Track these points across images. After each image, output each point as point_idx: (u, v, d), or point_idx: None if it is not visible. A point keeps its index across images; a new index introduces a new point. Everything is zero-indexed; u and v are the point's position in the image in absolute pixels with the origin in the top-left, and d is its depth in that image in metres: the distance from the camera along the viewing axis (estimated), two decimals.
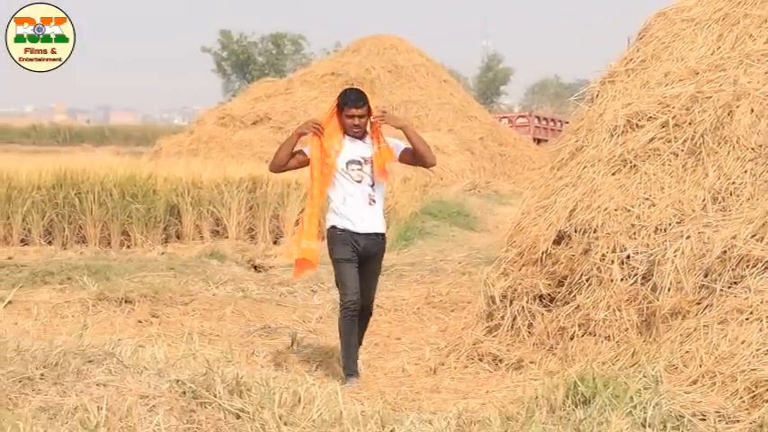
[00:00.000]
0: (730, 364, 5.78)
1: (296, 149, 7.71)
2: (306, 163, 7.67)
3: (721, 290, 6.28)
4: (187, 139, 26.84)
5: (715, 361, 5.87)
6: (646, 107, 7.64)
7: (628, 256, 6.96)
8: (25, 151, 32.34)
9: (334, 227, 7.55)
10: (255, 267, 13.33)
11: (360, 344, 7.75)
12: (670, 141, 7.36)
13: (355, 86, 9.74)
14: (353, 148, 7.60)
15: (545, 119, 40.61)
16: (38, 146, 48.71)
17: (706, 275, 6.43)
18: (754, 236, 6.30)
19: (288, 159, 7.70)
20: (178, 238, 15.32)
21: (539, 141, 36.11)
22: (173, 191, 15.30)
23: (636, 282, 6.87)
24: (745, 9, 7.92)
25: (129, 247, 14.74)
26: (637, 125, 7.63)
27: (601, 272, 7.10)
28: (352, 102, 7.59)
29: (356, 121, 7.55)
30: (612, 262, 7.04)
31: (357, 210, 7.52)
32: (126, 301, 9.71)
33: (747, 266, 6.22)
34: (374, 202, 7.59)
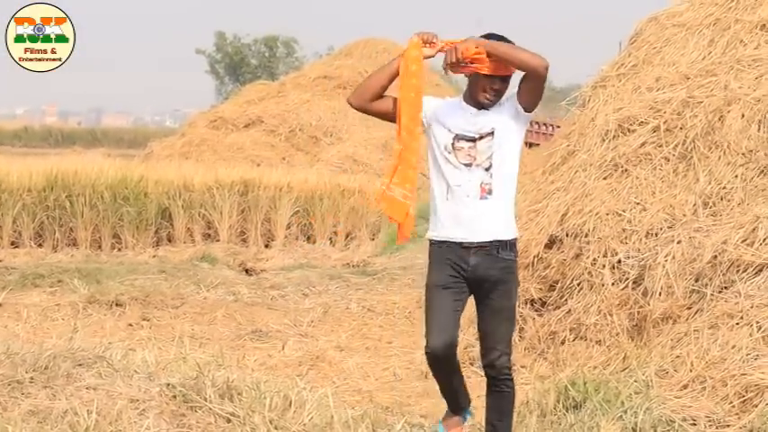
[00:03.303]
0: (721, 369, 5.78)
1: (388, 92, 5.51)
2: (391, 114, 5.46)
3: (712, 294, 6.28)
4: (179, 142, 26.78)
5: (705, 365, 5.88)
6: (637, 112, 7.65)
7: (619, 261, 6.96)
8: (16, 153, 32.24)
9: (431, 241, 5.39)
10: (247, 270, 13.33)
11: None
12: (661, 146, 7.37)
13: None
14: (464, 118, 5.34)
15: (537, 123, 40.58)
16: (29, 148, 48.64)
17: (697, 280, 6.44)
18: (745, 240, 6.31)
19: (379, 91, 5.43)
20: (169, 241, 15.29)
21: (531, 145, 36.01)
22: (164, 194, 15.27)
23: (627, 286, 6.87)
24: (736, 15, 7.94)
25: (120, 249, 14.70)
26: (628, 130, 7.64)
27: (592, 276, 7.10)
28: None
29: (495, 87, 5.28)
30: (604, 266, 7.04)
31: (463, 208, 5.26)
32: (116, 305, 9.71)
33: (738, 271, 6.23)
34: (490, 194, 5.27)
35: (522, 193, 8.59)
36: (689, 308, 6.43)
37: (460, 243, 5.27)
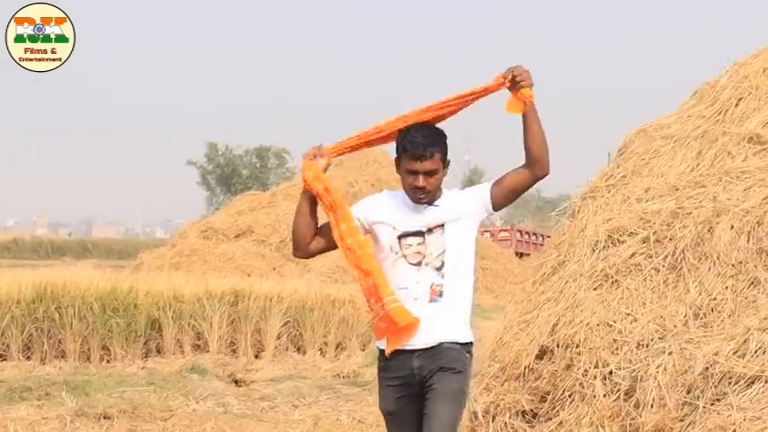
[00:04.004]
0: None
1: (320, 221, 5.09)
2: (334, 244, 5.04)
3: (704, 407, 6.24)
4: (169, 253, 26.81)
5: None
6: (627, 222, 7.68)
7: (610, 372, 6.92)
8: (6, 265, 32.17)
9: (378, 348, 5.03)
10: (237, 382, 13.23)
11: None
12: (651, 257, 7.37)
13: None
14: (410, 213, 4.95)
15: (527, 233, 40.82)
16: (18, 260, 48.56)
17: (689, 392, 6.40)
18: (736, 352, 6.29)
19: (309, 232, 5.00)
20: (159, 352, 15.20)
21: (521, 255, 36.22)
22: (154, 305, 15.22)
23: (618, 398, 6.83)
24: (723, 127, 8.01)
25: (108, 361, 14.60)
26: (618, 240, 7.65)
27: (583, 387, 7.05)
28: (412, 148, 4.89)
29: (420, 181, 4.87)
30: (595, 377, 7.00)
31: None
32: (104, 417, 9.62)
33: (730, 383, 6.20)
34: (440, 296, 4.88)
35: (513, 303, 8.57)
36: (681, 420, 6.39)
37: (404, 350, 4.87)
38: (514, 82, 4.88)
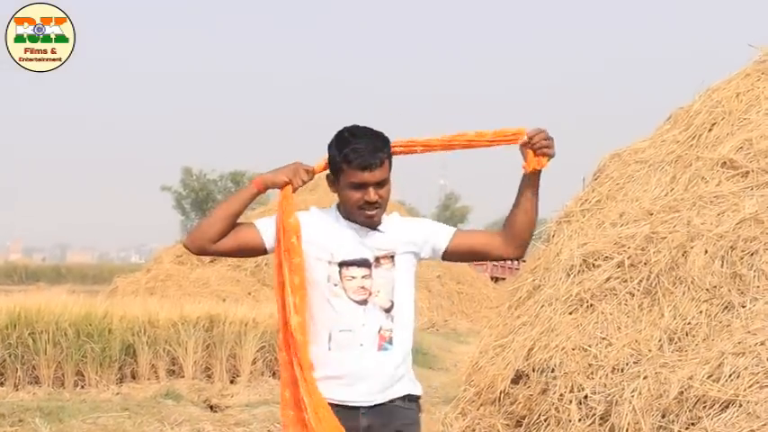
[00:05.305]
0: None
1: (242, 219, 4.23)
2: (254, 249, 4.21)
3: (679, 431, 6.25)
4: (144, 278, 26.72)
5: None
6: (602, 247, 7.70)
7: (586, 396, 6.93)
8: None
9: None
10: (212, 407, 13.18)
11: None
12: (626, 281, 7.39)
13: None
14: (353, 237, 4.18)
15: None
16: None
17: (663, 416, 6.41)
18: (711, 376, 6.30)
19: (226, 229, 4.11)
20: (133, 377, 15.11)
21: (496, 280, 36.26)
22: (128, 330, 15.14)
23: (594, 422, 6.83)
24: (697, 152, 8.05)
25: (83, 387, 14.50)
26: (593, 265, 7.67)
27: (559, 412, 7.05)
28: (358, 157, 4.10)
29: (371, 194, 4.12)
30: (570, 402, 7.00)
31: (353, 361, 4.10)
32: None
33: (704, 407, 6.21)
34: (390, 343, 4.14)
35: (489, 327, 8.57)
36: None
37: (348, 406, 4.08)
38: (537, 145, 4.18)
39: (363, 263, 4.11)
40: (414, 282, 4.25)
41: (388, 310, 4.13)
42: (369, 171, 4.10)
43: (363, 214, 4.14)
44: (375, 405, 4.12)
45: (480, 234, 4.38)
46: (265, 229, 4.20)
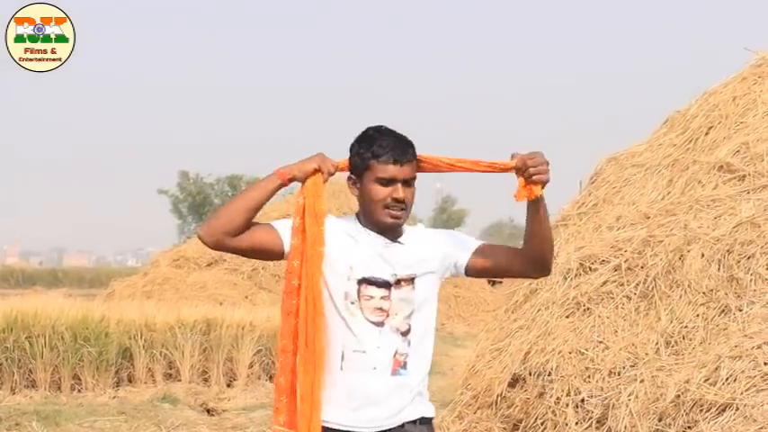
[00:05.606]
0: None
1: (259, 219, 3.97)
2: (270, 252, 3.96)
3: None
4: (141, 281, 26.70)
5: None
6: (598, 250, 7.70)
7: (582, 400, 6.93)
8: None
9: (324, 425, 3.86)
10: (209, 411, 13.17)
11: None
12: (623, 285, 7.39)
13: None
14: (370, 249, 3.95)
15: None
16: None
17: (660, 420, 6.41)
18: (707, 380, 6.30)
19: (247, 223, 3.87)
20: (130, 381, 15.11)
21: (493, 283, 36.16)
22: (125, 333, 15.13)
23: (590, 425, 6.83)
24: (693, 156, 8.05)
25: (79, 390, 14.49)
26: (590, 268, 7.67)
27: (556, 415, 7.06)
28: (391, 151, 3.90)
29: (399, 192, 3.90)
30: (567, 405, 7.01)
31: (365, 383, 3.88)
32: None
33: (701, 411, 6.21)
34: (404, 368, 3.92)
35: (486, 331, 8.58)
36: None
37: (352, 430, 3.87)
38: (528, 173, 3.86)
39: (383, 284, 3.87)
40: (435, 304, 4.08)
41: (404, 334, 3.91)
42: (399, 165, 3.89)
43: (389, 214, 3.91)
44: (382, 431, 3.90)
45: (504, 251, 4.09)
46: (284, 230, 3.94)
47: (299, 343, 3.85)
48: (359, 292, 3.85)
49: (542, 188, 3.91)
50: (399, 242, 3.95)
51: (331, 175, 3.98)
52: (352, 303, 3.85)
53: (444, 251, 4.02)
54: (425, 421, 4.04)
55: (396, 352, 3.87)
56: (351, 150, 4.01)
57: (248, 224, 3.86)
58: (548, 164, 3.86)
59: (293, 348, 3.89)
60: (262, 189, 3.90)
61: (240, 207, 3.86)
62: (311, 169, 3.93)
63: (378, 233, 3.95)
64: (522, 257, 4.02)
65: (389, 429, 3.89)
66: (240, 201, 3.89)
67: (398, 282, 3.88)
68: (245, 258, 24.97)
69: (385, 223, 3.92)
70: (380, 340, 3.84)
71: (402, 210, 3.91)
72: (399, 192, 3.89)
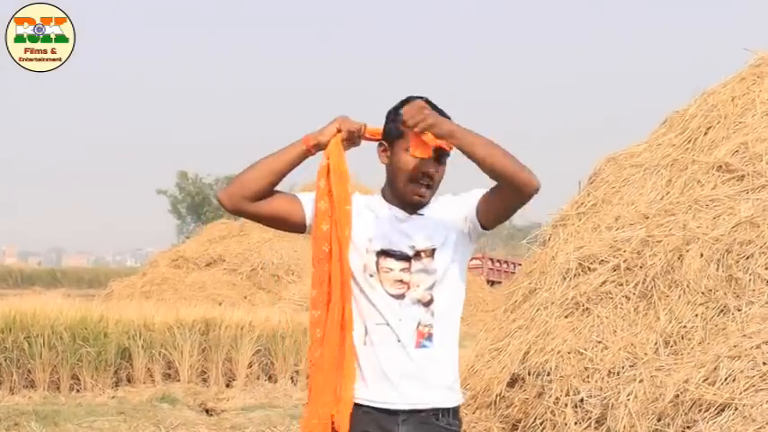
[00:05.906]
0: None
1: (283, 189, 3.88)
2: (291, 223, 3.87)
3: None
4: (140, 282, 26.73)
5: None
6: (597, 250, 7.70)
7: (581, 400, 6.93)
8: None
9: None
10: (208, 411, 13.17)
11: None
12: (622, 285, 7.39)
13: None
14: (390, 224, 3.85)
15: (498, 261, 40.85)
16: None
17: (659, 420, 6.41)
18: (706, 380, 6.30)
19: (269, 188, 3.80)
20: (129, 381, 15.11)
21: (492, 283, 36.25)
22: (124, 333, 15.13)
23: (590, 425, 6.83)
24: (692, 156, 8.05)
25: (78, 391, 14.48)
26: (589, 268, 7.67)
27: (555, 415, 7.06)
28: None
29: (429, 167, 3.78)
30: (566, 405, 7.01)
31: (390, 358, 3.77)
32: None
33: (700, 411, 6.21)
34: (429, 339, 3.78)
35: (485, 331, 8.57)
36: None
37: (385, 409, 3.73)
38: (414, 126, 3.67)
39: (402, 256, 3.76)
40: (460, 274, 3.88)
41: (427, 304, 3.77)
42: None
43: (413, 191, 3.79)
44: (413, 411, 3.75)
45: (489, 192, 3.82)
46: (308, 203, 3.84)
47: (331, 308, 3.77)
48: (377, 264, 3.76)
49: (433, 136, 3.70)
50: (419, 214, 3.85)
51: (354, 133, 3.84)
52: (371, 276, 3.76)
53: (462, 214, 3.86)
54: (456, 414, 3.88)
55: (419, 323, 3.75)
56: (387, 117, 3.88)
57: (270, 190, 3.78)
58: (423, 108, 3.65)
59: (325, 318, 3.80)
60: (285, 153, 3.80)
61: (262, 171, 3.77)
62: (333, 130, 3.82)
63: (399, 207, 3.86)
64: (496, 186, 3.75)
65: (420, 411, 3.75)
66: (263, 164, 3.79)
67: (418, 254, 3.77)
68: (243, 259, 24.95)
69: (409, 200, 3.83)
70: (402, 312, 3.74)
71: (428, 187, 3.80)
72: (429, 165, 3.78)
